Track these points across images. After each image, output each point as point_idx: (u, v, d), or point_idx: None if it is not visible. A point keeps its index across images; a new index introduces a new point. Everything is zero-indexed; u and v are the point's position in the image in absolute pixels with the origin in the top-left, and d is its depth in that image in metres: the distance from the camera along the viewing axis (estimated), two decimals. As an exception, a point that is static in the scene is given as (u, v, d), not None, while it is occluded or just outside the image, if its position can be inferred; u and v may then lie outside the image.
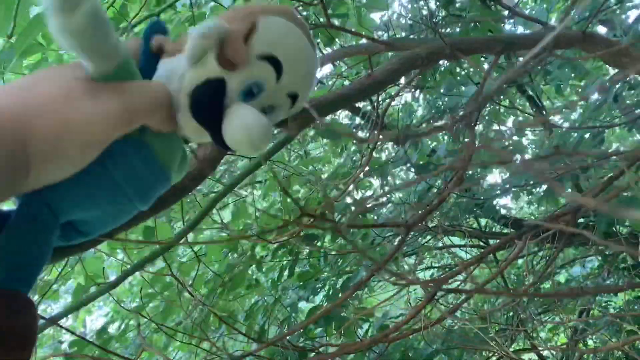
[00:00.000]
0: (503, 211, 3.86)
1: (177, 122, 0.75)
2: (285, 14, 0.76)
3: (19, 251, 0.64)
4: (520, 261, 3.88)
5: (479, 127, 4.12)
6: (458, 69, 2.77)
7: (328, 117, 3.90)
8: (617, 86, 2.33)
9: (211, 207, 1.00)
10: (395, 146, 3.57)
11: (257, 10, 0.73)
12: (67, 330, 1.19)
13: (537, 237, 3.14)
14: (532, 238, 2.75)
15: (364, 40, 1.35)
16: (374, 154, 2.70)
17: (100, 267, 2.16)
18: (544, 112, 3.63)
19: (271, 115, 0.79)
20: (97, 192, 0.66)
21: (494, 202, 3.39)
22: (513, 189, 3.09)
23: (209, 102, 0.70)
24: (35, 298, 1.76)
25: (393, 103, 4.42)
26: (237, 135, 0.72)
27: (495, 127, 4.00)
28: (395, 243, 2.93)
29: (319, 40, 1.84)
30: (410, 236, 3.41)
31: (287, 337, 2.00)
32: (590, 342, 3.60)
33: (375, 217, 3.00)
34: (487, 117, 3.79)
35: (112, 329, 2.55)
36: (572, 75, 3.35)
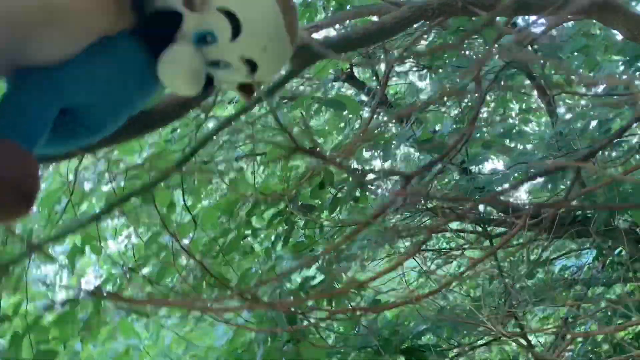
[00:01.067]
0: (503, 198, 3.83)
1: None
2: None
3: (18, 104, 0.66)
4: (517, 252, 3.88)
5: (484, 113, 4.09)
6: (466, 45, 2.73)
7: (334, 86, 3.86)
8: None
9: (214, 133, 1.02)
10: (398, 125, 3.54)
11: None
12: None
13: (535, 224, 3.13)
14: (530, 224, 2.74)
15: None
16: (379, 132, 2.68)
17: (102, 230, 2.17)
18: (552, 102, 3.59)
19: (221, 72, 0.79)
20: (101, 73, 0.71)
21: (495, 188, 3.37)
22: (514, 175, 3.08)
23: (162, 29, 0.74)
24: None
25: (398, 81, 4.38)
26: (162, 68, 0.75)
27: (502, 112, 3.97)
28: (393, 220, 2.93)
29: (331, 6, 1.81)
30: (408, 216, 3.41)
31: (285, 301, 2.01)
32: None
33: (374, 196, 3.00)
34: (492, 103, 3.76)
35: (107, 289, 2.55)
36: (583, 65, 3.31)
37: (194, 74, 0.75)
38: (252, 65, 0.78)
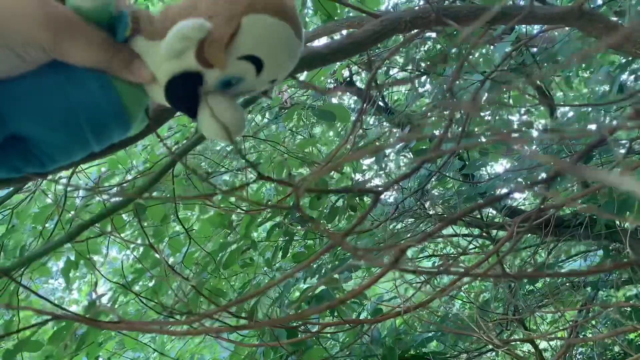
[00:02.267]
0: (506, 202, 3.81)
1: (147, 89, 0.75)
2: (272, 8, 0.72)
3: None
4: (523, 253, 3.86)
5: (485, 114, 4.07)
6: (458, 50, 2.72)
7: (334, 100, 3.87)
8: (624, 76, 2.28)
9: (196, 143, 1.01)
10: (397, 131, 3.54)
11: (242, 8, 0.70)
12: (50, 302, 1.19)
13: (537, 228, 3.10)
14: (532, 227, 2.71)
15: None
16: (377, 141, 2.68)
17: (99, 245, 2.18)
18: (552, 102, 3.57)
19: (246, 93, 0.80)
20: (50, 108, 0.67)
21: (497, 192, 3.35)
22: (516, 179, 3.05)
23: (184, 93, 0.71)
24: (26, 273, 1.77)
25: (399, 89, 4.37)
26: (211, 130, 0.73)
27: (502, 115, 3.94)
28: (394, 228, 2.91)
29: (317, 18, 1.81)
30: (410, 223, 3.39)
31: (278, 314, 2.00)
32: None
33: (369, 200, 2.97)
34: (492, 106, 3.74)
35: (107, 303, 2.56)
36: (582, 65, 3.29)
37: (240, 123, 0.74)
38: (272, 81, 0.79)
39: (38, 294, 0.70)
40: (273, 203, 1.90)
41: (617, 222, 2.77)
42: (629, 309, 2.87)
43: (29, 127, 0.68)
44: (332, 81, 3.97)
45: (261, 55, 0.72)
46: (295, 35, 0.74)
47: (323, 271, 2.76)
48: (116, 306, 2.19)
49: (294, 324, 2.01)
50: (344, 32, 1.49)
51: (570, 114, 3.50)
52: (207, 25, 0.68)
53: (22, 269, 1.44)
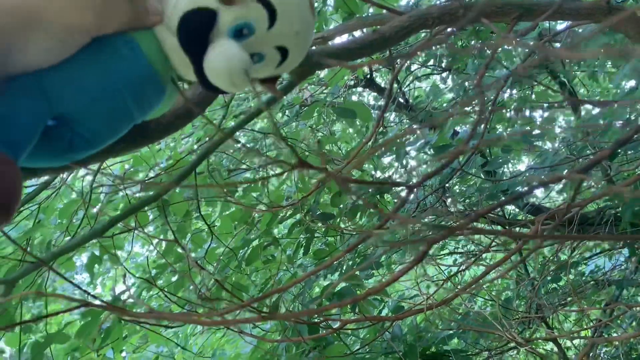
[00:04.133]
0: (530, 200, 3.77)
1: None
2: None
3: (2, 111, 0.64)
4: (546, 250, 3.81)
5: (509, 112, 4.02)
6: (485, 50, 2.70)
7: (353, 97, 3.86)
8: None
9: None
10: (420, 129, 3.51)
11: None
12: (79, 287, 1.21)
13: (561, 225, 3.06)
14: (555, 226, 2.67)
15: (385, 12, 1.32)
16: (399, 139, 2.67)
17: (122, 240, 2.22)
18: (576, 98, 3.51)
19: (257, 65, 0.79)
20: (88, 79, 0.69)
21: (519, 189, 3.31)
22: (539, 176, 3.01)
23: (197, 30, 0.71)
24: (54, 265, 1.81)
25: (421, 85, 4.35)
26: (217, 65, 0.73)
27: (526, 112, 3.90)
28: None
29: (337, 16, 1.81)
30: (432, 221, 3.38)
31: (299, 313, 2.01)
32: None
33: (395, 200, 2.98)
34: (516, 102, 3.70)
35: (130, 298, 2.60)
36: (608, 62, 3.23)
37: (246, 63, 0.74)
38: (283, 53, 0.79)
39: (69, 280, 0.72)
40: (294, 200, 1.91)
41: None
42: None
43: (72, 104, 0.69)
44: (352, 78, 3.96)
45: (275, 3, 0.72)
46: (309, 8, 0.76)
47: (344, 268, 2.76)
48: (140, 300, 2.23)
49: (316, 320, 2.02)
50: (365, 30, 1.49)
51: (596, 110, 3.45)
52: None
53: (50, 263, 1.48)
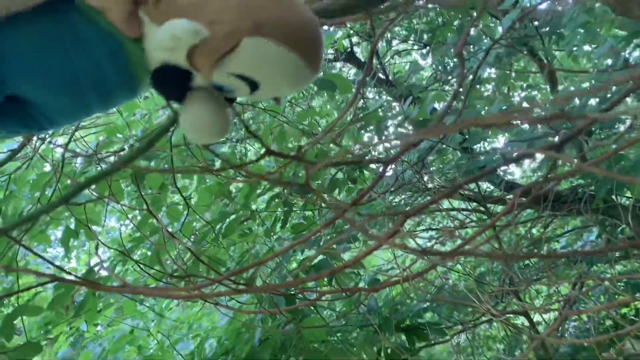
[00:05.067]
0: (506, 178, 3.82)
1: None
2: (281, 35, 0.67)
3: None
4: (520, 229, 3.88)
5: (488, 90, 4.04)
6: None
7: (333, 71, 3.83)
8: (628, 50, 2.25)
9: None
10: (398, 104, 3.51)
11: (247, 27, 0.66)
12: (51, 263, 1.18)
13: (535, 202, 3.10)
14: (529, 201, 2.71)
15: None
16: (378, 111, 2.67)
17: (98, 214, 2.18)
18: (555, 77, 3.54)
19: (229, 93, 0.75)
20: (52, 72, 0.65)
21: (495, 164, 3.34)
22: (514, 153, 3.05)
23: (169, 84, 0.69)
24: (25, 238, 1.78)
25: (400, 60, 4.34)
26: (188, 129, 0.70)
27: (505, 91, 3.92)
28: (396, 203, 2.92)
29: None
30: (409, 196, 3.40)
31: (276, 285, 2.02)
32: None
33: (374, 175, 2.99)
34: (495, 82, 3.71)
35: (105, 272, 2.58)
36: (586, 40, 3.25)
37: (220, 125, 0.71)
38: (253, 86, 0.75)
39: (39, 254, 0.70)
40: (273, 174, 1.89)
41: (615, 198, 2.78)
42: (623, 283, 2.90)
43: (29, 90, 0.66)
44: (333, 51, 3.92)
45: (257, 79, 0.68)
46: (306, 66, 0.69)
47: (321, 242, 2.77)
48: (115, 274, 2.21)
49: (292, 292, 2.03)
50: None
51: (572, 88, 3.48)
52: (202, 33, 0.65)
53: (21, 235, 1.45)
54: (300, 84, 0.73)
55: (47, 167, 1.89)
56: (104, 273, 2.02)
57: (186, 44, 0.65)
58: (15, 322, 1.50)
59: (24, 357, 1.40)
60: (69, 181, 1.61)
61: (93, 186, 1.74)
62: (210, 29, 0.65)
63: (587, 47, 3.51)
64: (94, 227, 2.21)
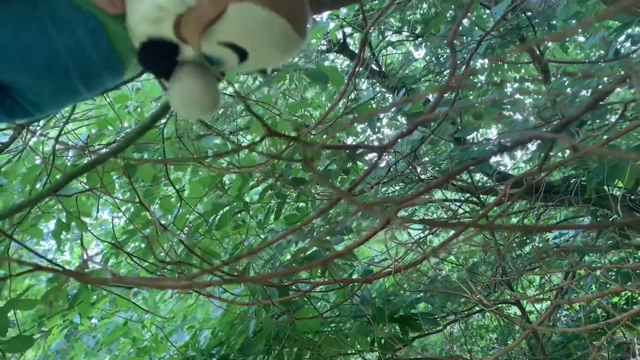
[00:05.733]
0: (499, 168, 3.83)
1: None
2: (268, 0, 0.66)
3: None
4: (512, 219, 3.90)
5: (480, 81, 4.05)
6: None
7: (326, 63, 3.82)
8: (619, 40, 2.26)
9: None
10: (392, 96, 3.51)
11: None
12: (47, 259, 1.18)
13: (527, 193, 3.11)
14: (522, 192, 2.72)
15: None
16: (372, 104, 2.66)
17: (90, 206, 2.17)
18: (547, 68, 3.55)
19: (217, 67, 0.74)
20: (33, 55, 0.64)
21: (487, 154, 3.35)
22: (507, 144, 3.05)
23: (157, 60, 0.67)
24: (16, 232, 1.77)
25: (394, 52, 4.33)
26: (178, 104, 0.69)
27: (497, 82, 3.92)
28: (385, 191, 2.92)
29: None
30: (402, 188, 3.41)
31: (269, 275, 2.02)
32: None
33: (366, 167, 2.99)
34: (487, 72, 3.71)
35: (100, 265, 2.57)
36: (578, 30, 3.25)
37: (208, 105, 0.70)
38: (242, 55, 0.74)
39: (27, 247, 0.70)
40: (265, 165, 1.90)
41: (606, 188, 2.80)
42: (614, 272, 2.93)
43: (11, 74, 0.65)
44: (325, 43, 3.91)
45: (246, 47, 0.67)
46: (294, 31, 0.69)
47: (315, 234, 2.78)
48: (108, 267, 2.20)
49: (286, 283, 2.03)
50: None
51: (564, 79, 3.48)
52: (188, 1, 0.64)
53: (12, 228, 1.44)
54: (288, 51, 0.72)
55: (38, 160, 1.88)
56: (96, 266, 2.01)
57: (172, 14, 0.64)
58: (9, 315, 1.50)
59: (16, 350, 1.40)
60: (59, 175, 1.60)
61: (84, 179, 1.74)
62: None
63: (581, 38, 3.52)
64: (86, 220, 2.20)
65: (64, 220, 1.85)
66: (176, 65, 0.69)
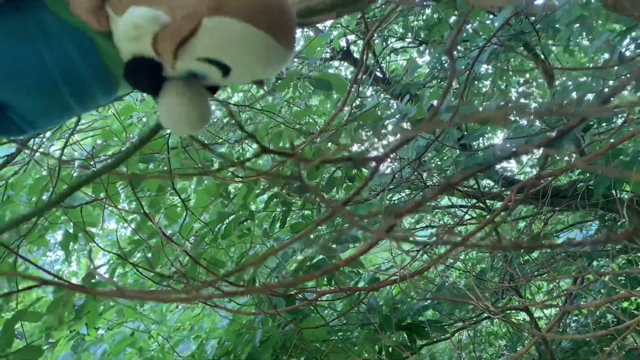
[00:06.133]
0: (505, 173, 3.81)
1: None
2: (245, 13, 0.65)
3: None
4: (519, 224, 3.88)
5: (485, 86, 4.04)
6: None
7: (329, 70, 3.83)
8: (624, 43, 2.25)
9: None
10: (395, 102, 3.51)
11: (206, 7, 0.64)
12: (50, 273, 1.18)
13: (534, 198, 3.09)
14: (528, 197, 2.70)
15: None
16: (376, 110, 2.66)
17: (97, 217, 2.18)
18: (552, 72, 3.53)
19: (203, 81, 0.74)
20: (23, 70, 0.64)
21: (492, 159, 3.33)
22: (512, 149, 3.04)
23: (142, 77, 0.67)
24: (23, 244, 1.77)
25: (397, 58, 4.32)
26: (167, 120, 0.69)
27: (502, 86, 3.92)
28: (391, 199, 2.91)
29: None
30: (407, 194, 3.40)
31: (275, 284, 2.01)
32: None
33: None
34: (492, 76, 3.71)
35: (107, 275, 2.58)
36: (582, 34, 3.24)
37: (198, 114, 0.69)
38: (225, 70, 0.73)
39: (31, 261, 0.70)
40: (270, 172, 1.89)
41: (614, 192, 2.78)
42: (623, 277, 2.90)
43: (3, 91, 0.64)
44: (329, 50, 3.92)
45: (226, 61, 0.66)
46: (276, 43, 0.67)
47: (320, 243, 2.77)
48: (114, 278, 2.20)
49: (292, 292, 2.02)
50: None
51: (569, 83, 3.47)
52: (162, 19, 0.63)
53: (19, 240, 1.45)
54: (273, 64, 0.70)
55: (44, 172, 1.89)
56: (102, 277, 2.01)
57: (148, 31, 0.64)
58: (16, 326, 1.50)
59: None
60: (65, 186, 1.61)
61: (90, 190, 1.74)
62: (171, 14, 0.64)
63: (585, 41, 3.51)
64: (93, 230, 2.20)
65: (71, 231, 1.86)
66: (163, 81, 0.69)
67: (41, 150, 1.71)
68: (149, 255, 2.00)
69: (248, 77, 0.72)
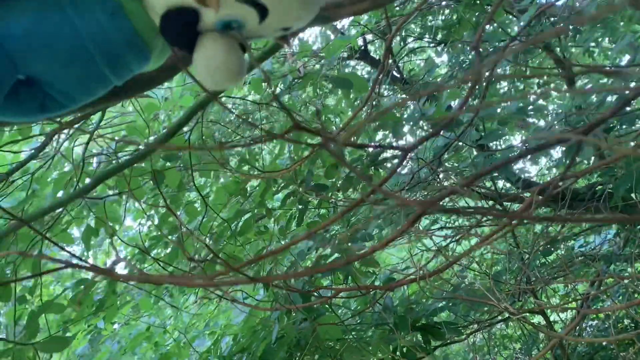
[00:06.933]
0: (523, 175, 3.79)
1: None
2: None
3: None
4: (536, 225, 3.84)
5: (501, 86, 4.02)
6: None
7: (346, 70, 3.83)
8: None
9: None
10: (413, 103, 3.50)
11: None
12: (78, 259, 1.20)
13: (552, 200, 3.07)
14: (547, 199, 2.69)
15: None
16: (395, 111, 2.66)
17: (117, 213, 2.21)
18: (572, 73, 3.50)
19: (258, 37, 0.75)
20: (56, 41, 0.65)
21: (512, 165, 3.31)
22: (530, 151, 3.02)
23: (179, 30, 0.68)
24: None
25: (415, 58, 4.31)
26: (203, 72, 0.69)
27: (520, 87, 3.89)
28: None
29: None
30: (424, 195, 3.39)
31: (292, 282, 2.03)
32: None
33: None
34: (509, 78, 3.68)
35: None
36: (606, 38, 3.21)
37: (233, 72, 0.69)
38: (286, 28, 0.73)
39: (60, 245, 0.72)
40: (288, 166, 1.90)
41: (634, 196, 2.74)
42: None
43: (39, 67, 0.65)
44: (346, 50, 3.92)
45: (265, 1, 0.67)
46: None
47: (336, 242, 2.77)
48: (134, 265, 2.23)
49: (308, 290, 2.04)
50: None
51: (589, 85, 3.44)
52: None
53: (44, 231, 1.47)
54: (309, 4, 0.71)
55: (68, 167, 1.92)
56: (122, 272, 2.04)
57: None
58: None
59: (52, 350, 1.42)
60: (88, 180, 1.63)
61: (113, 185, 1.77)
62: None
63: (605, 44, 3.47)
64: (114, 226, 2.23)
65: (92, 225, 1.89)
66: (198, 35, 0.69)
67: (66, 144, 1.74)
68: (169, 250, 2.02)
69: (283, 21, 0.72)
